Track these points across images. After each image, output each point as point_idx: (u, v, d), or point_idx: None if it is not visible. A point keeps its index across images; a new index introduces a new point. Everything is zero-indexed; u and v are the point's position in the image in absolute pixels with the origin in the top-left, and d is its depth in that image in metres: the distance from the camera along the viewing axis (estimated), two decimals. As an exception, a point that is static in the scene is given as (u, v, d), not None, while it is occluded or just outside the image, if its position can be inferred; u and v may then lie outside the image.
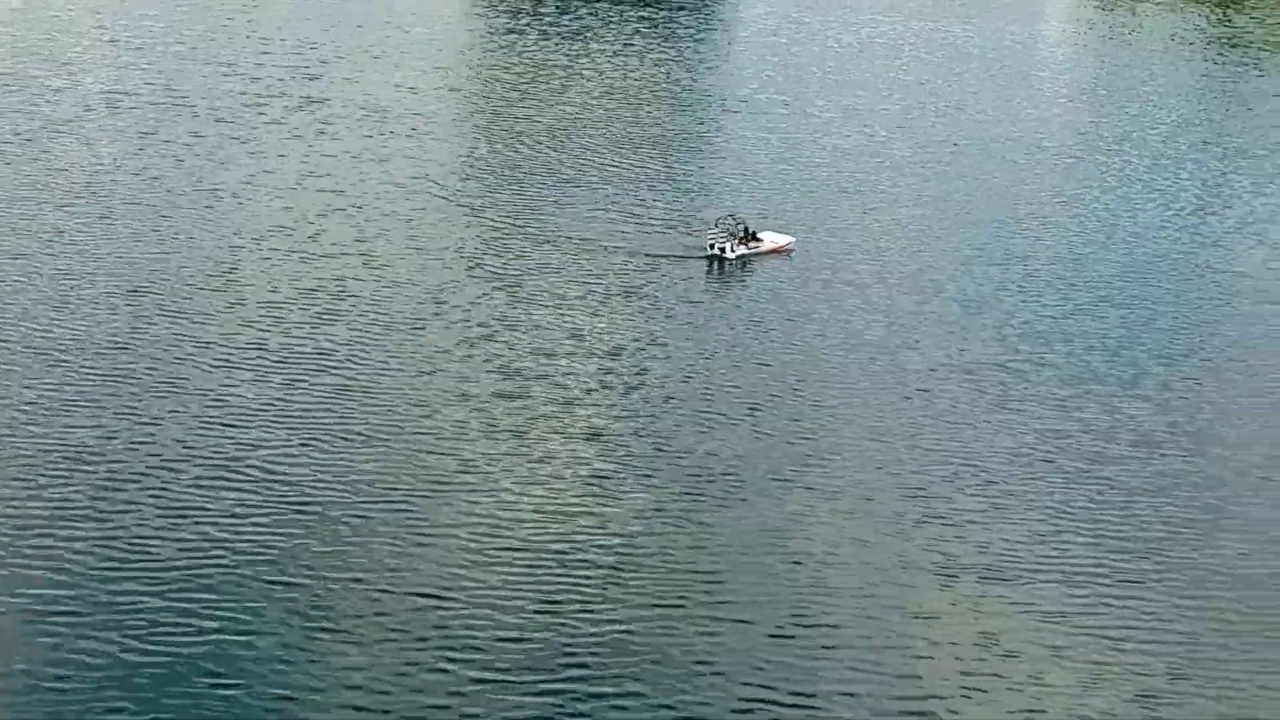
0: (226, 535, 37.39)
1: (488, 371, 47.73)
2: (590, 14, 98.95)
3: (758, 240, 59.41)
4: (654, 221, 61.94)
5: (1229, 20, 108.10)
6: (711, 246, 59.24)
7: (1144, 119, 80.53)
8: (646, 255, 58.18)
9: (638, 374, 48.45)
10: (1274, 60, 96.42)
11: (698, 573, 37.66)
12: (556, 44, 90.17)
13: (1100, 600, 37.80)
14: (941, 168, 70.72)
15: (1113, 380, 50.40)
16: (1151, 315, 55.57)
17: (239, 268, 55.17)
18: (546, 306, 53.13)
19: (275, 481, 40.60)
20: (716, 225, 59.99)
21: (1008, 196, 67.48)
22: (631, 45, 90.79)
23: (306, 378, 46.68)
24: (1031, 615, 36.81)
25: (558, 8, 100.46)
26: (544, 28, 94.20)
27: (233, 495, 39.38)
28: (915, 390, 48.38)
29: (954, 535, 39.95)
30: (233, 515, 38.49)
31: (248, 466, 41.02)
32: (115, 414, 43.19)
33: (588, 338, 50.84)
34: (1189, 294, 58.14)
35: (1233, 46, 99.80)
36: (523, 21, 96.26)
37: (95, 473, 39.89)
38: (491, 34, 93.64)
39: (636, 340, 50.98)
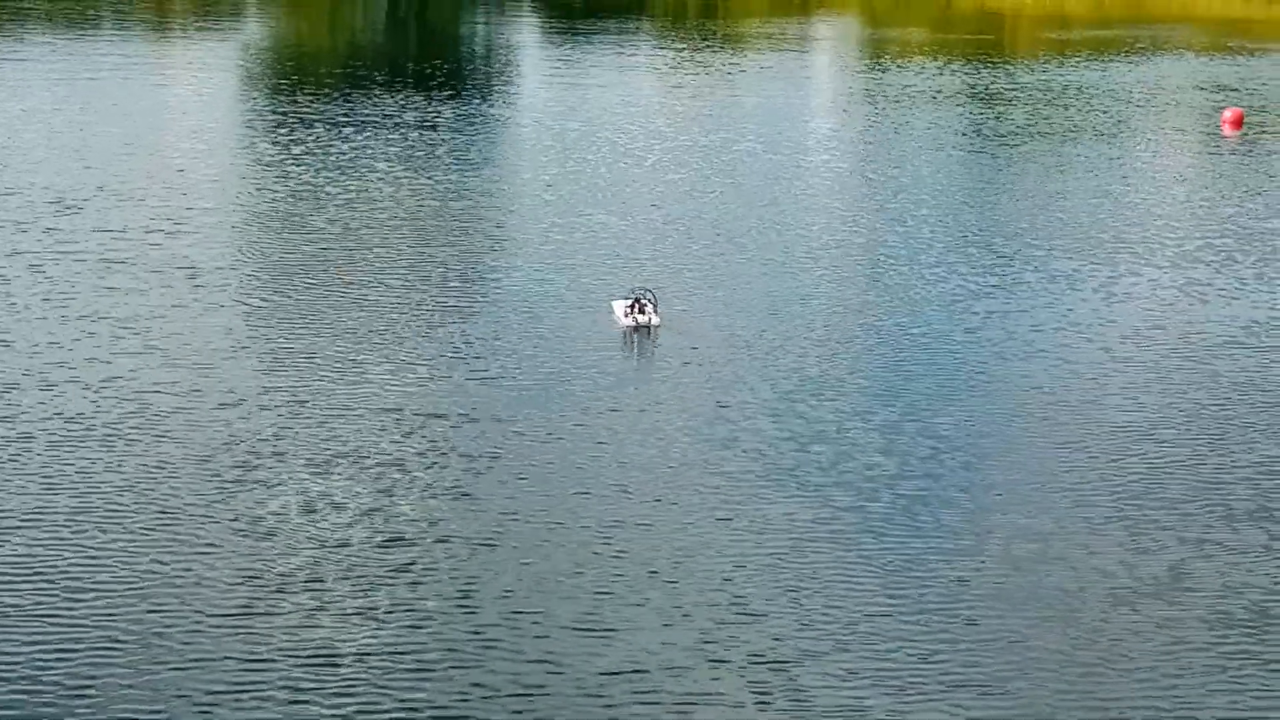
0: None
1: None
2: (369, 135, 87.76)
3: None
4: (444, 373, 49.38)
5: (995, 101, 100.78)
6: (632, 315, 50.18)
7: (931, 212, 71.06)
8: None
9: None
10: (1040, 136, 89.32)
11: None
12: (332, 172, 78.41)
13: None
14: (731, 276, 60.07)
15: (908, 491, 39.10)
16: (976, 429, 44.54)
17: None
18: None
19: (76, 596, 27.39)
20: (633, 297, 51.12)
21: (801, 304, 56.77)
22: (409, 170, 79.70)
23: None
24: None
25: (328, 131, 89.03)
26: (315, 153, 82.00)
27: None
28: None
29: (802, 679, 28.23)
30: None
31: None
32: None
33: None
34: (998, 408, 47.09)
35: (999, 127, 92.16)
36: (293, 150, 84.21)
37: None
38: (256, 163, 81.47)
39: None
